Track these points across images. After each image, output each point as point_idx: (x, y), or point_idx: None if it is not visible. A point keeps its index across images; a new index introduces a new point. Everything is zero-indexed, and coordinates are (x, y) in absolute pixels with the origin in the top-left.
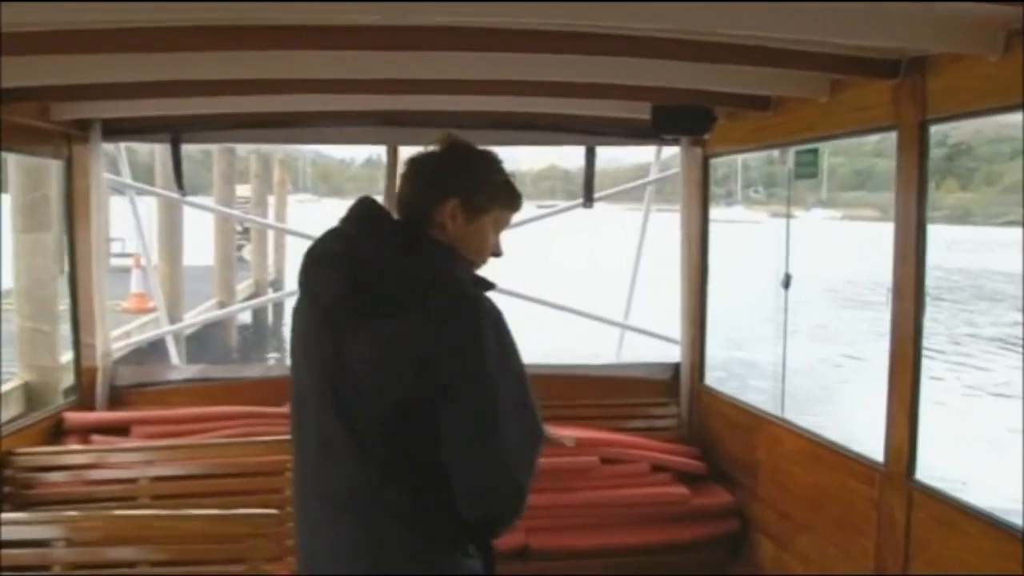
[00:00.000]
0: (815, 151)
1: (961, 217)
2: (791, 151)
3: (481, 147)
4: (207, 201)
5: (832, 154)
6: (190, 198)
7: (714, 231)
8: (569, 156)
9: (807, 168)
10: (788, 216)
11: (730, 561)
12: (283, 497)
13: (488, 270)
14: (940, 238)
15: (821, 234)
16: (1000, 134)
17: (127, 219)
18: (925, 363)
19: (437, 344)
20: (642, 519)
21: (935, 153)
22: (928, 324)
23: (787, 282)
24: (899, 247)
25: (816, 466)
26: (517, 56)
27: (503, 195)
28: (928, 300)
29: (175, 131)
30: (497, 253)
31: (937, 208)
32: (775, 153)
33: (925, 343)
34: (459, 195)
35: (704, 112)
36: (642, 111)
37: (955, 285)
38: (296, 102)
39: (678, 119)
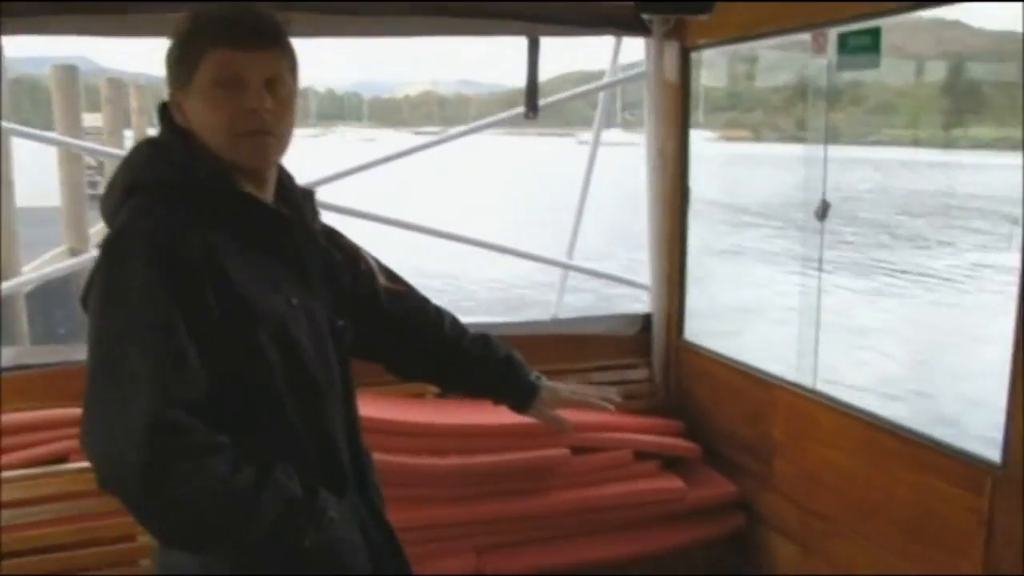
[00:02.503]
0: (875, 32)
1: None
2: (831, 34)
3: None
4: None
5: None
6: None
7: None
8: (444, 82)
9: (861, 56)
10: (826, 134)
11: (736, 563)
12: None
13: None
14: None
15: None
16: None
17: None
18: None
19: None
20: (628, 523)
21: None
22: None
23: (823, 212)
24: None
25: (871, 454)
26: None
27: (196, 30)
28: None
29: None
30: (252, 107)
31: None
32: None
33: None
34: (168, 74)
35: None
36: None
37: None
38: None
39: None
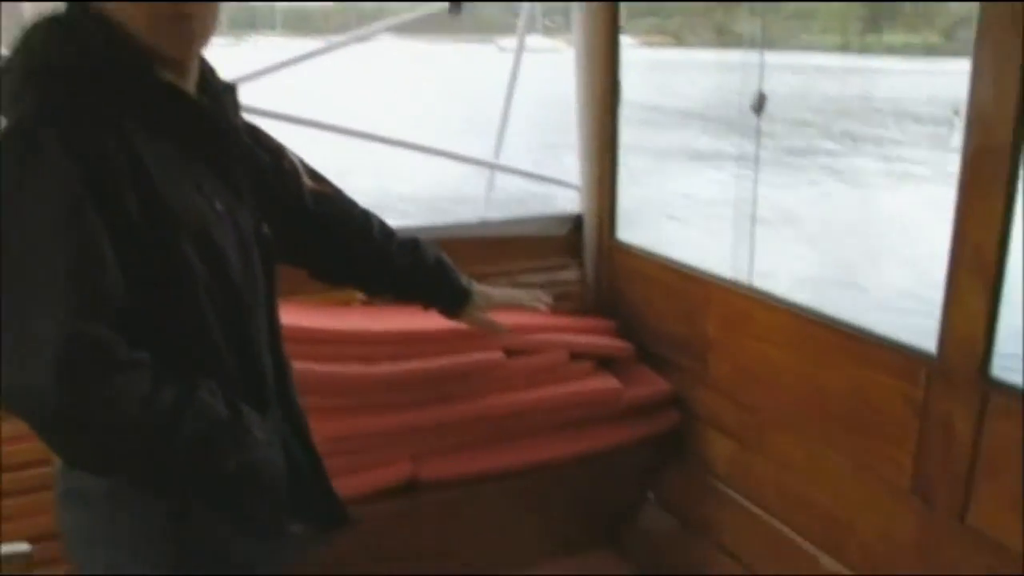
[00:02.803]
0: None
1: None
2: None
3: None
4: None
5: None
6: None
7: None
8: None
9: None
10: (763, 36)
11: (669, 460)
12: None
13: None
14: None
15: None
16: None
17: None
18: None
19: None
20: (564, 424)
21: None
22: None
23: (759, 105)
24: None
25: (806, 348)
26: None
27: None
28: None
29: None
30: None
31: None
32: None
33: None
34: None
35: None
36: None
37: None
38: None
39: None
